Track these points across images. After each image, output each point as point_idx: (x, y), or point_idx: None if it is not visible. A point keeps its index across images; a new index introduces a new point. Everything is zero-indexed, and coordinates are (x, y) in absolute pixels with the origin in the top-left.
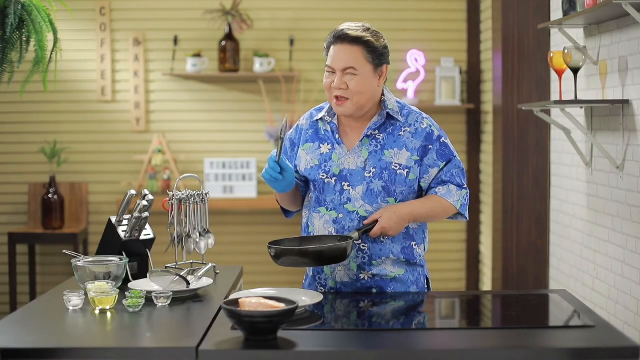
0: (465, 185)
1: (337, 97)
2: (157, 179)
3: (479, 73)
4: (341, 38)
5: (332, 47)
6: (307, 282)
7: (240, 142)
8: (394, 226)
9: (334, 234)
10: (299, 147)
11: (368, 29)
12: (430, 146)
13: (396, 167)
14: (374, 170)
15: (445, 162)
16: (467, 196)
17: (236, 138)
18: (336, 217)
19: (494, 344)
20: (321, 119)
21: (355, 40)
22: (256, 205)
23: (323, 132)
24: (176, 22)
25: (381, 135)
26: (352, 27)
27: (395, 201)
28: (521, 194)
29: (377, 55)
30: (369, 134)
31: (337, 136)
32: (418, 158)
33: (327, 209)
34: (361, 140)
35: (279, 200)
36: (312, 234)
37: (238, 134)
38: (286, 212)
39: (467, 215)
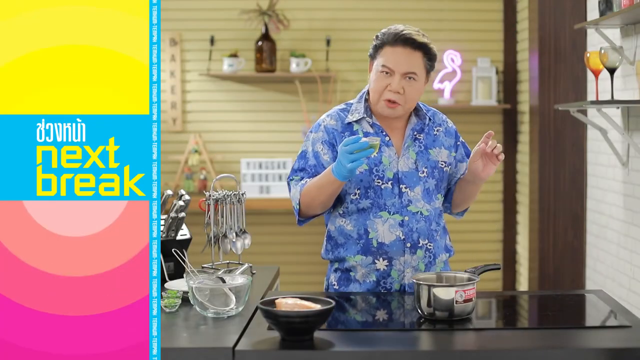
0: None
1: (389, 100)
2: (193, 179)
3: (516, 73)
4: (406, 41)
5: (390, 48)
6: (363, 287)
7: (277, 142)
8: None
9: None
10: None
11: (424, 35)
12: (458, 142)
13: (442, 164)
14: (426, 170)
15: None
16: None
17: (272, 138)
18: (402, 220)
19: (531, 344)
20: (356, 121)
21: (420, 47)
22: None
23: (362, 134)
24: (212, 22)
25: (421, 135)
26: (412, 31)
27: (441, 197)
28: (557, 194)
29: (432, 62)
30: (414, 135)
31: (387, 138)
32: (455, 154)
33: (389, 212)
34: (406, 142)
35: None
36: (374, 240)
37: (274, 134)
38: (302, 220)
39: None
